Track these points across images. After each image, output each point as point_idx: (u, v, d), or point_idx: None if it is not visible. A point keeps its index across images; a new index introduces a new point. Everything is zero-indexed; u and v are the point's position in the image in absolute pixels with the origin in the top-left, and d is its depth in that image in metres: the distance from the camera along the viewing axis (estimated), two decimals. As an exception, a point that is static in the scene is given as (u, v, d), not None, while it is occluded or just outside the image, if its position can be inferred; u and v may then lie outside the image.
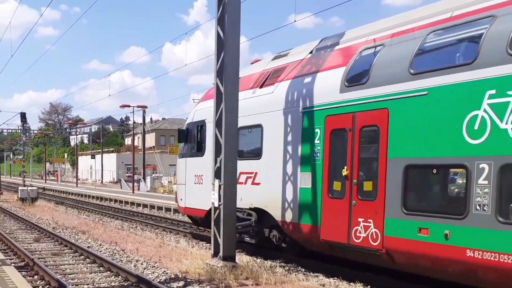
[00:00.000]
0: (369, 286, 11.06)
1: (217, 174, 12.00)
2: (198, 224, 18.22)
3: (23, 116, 38.62)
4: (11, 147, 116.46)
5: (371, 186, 10.52)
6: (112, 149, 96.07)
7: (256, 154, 14.03)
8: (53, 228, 20.93)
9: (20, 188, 34.75)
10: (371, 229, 10.38)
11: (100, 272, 12.55)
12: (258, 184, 13.88)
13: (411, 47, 10.10)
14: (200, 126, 16.61)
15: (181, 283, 11.05)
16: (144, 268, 12.84)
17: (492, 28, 8.70)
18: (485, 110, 8.54)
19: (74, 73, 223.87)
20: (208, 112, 15.03)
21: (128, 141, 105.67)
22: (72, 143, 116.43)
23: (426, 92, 9.46)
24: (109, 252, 15.29)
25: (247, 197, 13.99)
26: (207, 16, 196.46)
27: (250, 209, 14.21)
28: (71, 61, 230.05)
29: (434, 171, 9.61)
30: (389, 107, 10.08)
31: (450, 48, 9.81)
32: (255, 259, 13.57)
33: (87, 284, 11.26)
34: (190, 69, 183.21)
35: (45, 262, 13.61)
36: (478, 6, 9.35)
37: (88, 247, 15.89)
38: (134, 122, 61.58)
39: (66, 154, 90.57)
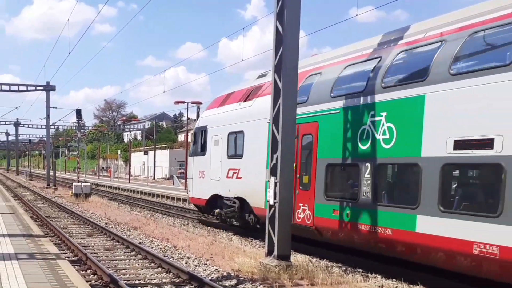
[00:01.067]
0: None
1: (273, 171, 11.68)
2: (202, 211, 21.99)
3: (78, 113, 39.27)
4: (66, 144, 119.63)
5: (308, 179, 14.15)
6: (165, 145, 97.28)
7: (240, 154, 17.62)
8: (106, 223, 21.07)
9: (74, 184, 35.41)
10: (307, 211, 14.06)
11: (151, 268, 12.42)
12: (240, 178, 17.60)
13: (333, 76, 13.70)
14: (204, 130, 20.48)
15: (234, 282, 10.77)
16: (196, 266, 12.62)
17: (378, 65, 12.25)
18: (368, 125, 11.98)
19: (129, 69, 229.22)
20: (209, 119, 20.26)
21: (181, 137, 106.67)
22: (126, 140, 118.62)
23: (338, 111, 12.99)
24: (160, 248, 15.17)
25: (233, 188, 17.99)
26: (265, 11, 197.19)
27: (235, 198, 17.97)
28: (127, 58, 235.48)
29: (342, 168, 13.25)
30: (318, 121, 13.74)
31: (353, 78, 13.25)
32: (310, 258, 13.19)
33: (139, 280, 11.12)
34: (246, 65, 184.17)
35: (97, 257, 13.60)
36: (369, 50, 13.08)
37: (140, 243, 15.84)
38: (188, 118, 61.88)
39: (119, 151, 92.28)
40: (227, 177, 18.23)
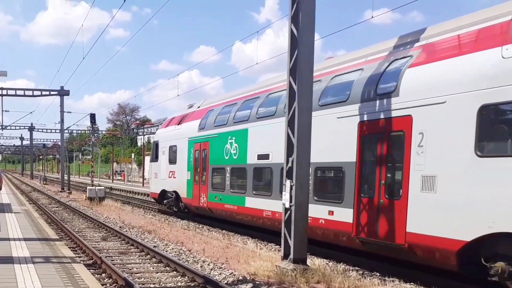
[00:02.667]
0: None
1: (288, 175, 11.53)
2: (157, 202, 29.91)
3: (92, 117, 39.36)
4: (80, 148, 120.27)
5: (205, 178, 21.84)
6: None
7: (174, 161, 25.67)
8: (120, 227, 21.06)
9: (88, 187, 35.48)
10: (204, 198, 22.05)
11: (166, 272, 12.34)
12: (175, 178, 25.66)
13: (214, 114, 21.94)
14: (157, 144, 28.73)
15: (250, 286, 10.66)
16: (211, 269, 12.53)
17: (234, 109, 20.18)
18: (228, 144, 19.60)
19: (143, 74, 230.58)
20: (159, 136, 28.66)
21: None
22: (139, 143, 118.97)
23: (217, 135, 20.83)
24: (175, 252, 15.11)
25: (171, 185, 26.24)
26: (279, 14, 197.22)
27: (172, 191, 26.18)
28: (141, 62, 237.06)
29: (219, 170, 20.73)
30: (209, 140, 21.52)
31: (221, 116, 21.09)
32: (327, 262, 13.05)
33: (154, 284, 11.05)
34: (260, 68, 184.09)
35: (112, 260, 13.56)
36: (230, 98, 21.64)
37: (154, 246, 15.79)
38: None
39: (133, 154, 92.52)
40: (169, 177, 26.49)
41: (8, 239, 14.34)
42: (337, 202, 13.50)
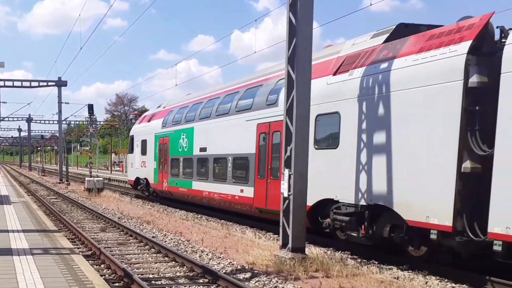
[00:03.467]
0: (445, 279, 10.58)
1: (287, 164, 11.56)
2: (133, 188, 34.65)
3: (90, 107, 39.21)
4: (78, 139, 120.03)
5: (166, 166, 26.73)
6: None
7: (144, 153, 30.31)
8: (119, 218, 21.09)
9: (86, 179, 35.50)
10: (165, 183, 26.88)
11: (165, 262, 12.39)
12: (146, 167, 30.23)
13: (172, 115, 27.37)
14: (132, 137, 33.55)
15: (248, 275, 10.70)
16: (210, 259, 12.57)
17: (187, 110, 25.50)
18: (181, 139, 24.64)
19: (141, 64, 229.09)
20: (134, 131, 33.52)
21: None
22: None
23: (173, 132, 26.04)
24: (174, 242, 15.14)
25: (143, 173, 30.95)
26: (277, 2, 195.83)
27: (144, 178, 30.93)
28: (139, 52, 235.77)
29: (176, 161, 25.37)
30: (170, 136, 26.57)
31: (177, 116, 26.56)
32: (325, 250, 13.09)
33: (152, 274, 11.08)
34: (259, 56, 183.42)
35: (111, 251, 13.59)
36: (194, 99, 26.22)
37: (153, 237, 15.82)
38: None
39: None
40: (141, 166, 31.16)
41: (7, 231, 14.36)
42: (245, 183, 18.21)
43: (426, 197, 10.54)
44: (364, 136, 12.26)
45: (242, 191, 18.34)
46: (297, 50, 11.38)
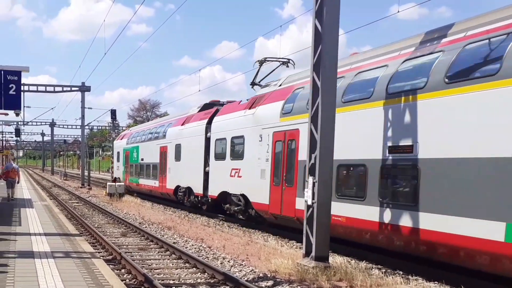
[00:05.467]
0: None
1: (311, 171, 11.38)
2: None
3: (113, 113, 39.66)
4: (100, 144, 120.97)
5: (128, 169, 41.03)
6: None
7: (119, 160, 44.10)
8: (140, 223, 21.07)
9: (108, 183, 35.70)
10: (127, 180, 40.18)
11: (186, 268, 12.26)
12: (119, 169, 43.86)
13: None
14: (114, 149, 48.45)
15: (270, 283, 10.52)
16: (231, 266, 12.41)
17: (137, 134, 41.19)
18: (135, 152, 39.63)
19: (165, 69, 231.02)
20: (115, 145, 48.43)
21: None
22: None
23: (130, 147, 41.69)
24: (195, 248, 15.02)
25: (119, 174, 42.87)
26: (302, 9, 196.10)
27: (118, 178, 40.34)
28: (163, 58, 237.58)
29: (140, 166, 38.30)
30: (130, 150, 41.56)
31: (132, 140, 42.25)
32: (349, 260, 12.84)
33: (173, 280, 10.96)
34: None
35: (132, 256, 13.53)
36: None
37: (174, 243, 15.73)
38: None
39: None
40: (117, 169, 44.40)
41: (29, 234, 14.40)
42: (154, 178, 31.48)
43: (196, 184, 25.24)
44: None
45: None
46: (322, 57, 11.24)
